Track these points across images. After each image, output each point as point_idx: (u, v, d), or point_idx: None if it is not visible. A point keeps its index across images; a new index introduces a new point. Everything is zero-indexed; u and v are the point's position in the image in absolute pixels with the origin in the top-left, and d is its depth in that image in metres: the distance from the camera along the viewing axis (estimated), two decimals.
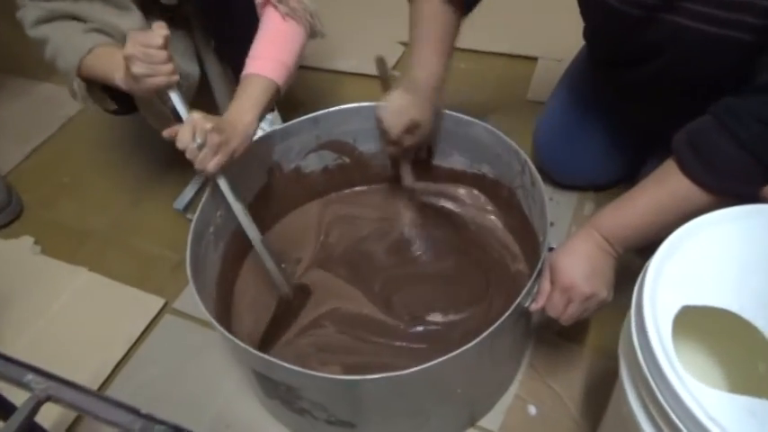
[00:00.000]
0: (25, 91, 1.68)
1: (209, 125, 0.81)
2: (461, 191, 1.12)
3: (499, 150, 0.97)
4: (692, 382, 0.50)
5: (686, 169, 0.68)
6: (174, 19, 1.04)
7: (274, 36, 0.95)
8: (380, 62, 0.96)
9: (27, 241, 1.25)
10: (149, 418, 0.45)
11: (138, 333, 1.06)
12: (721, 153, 0.66)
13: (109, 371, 1.01)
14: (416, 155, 1.10)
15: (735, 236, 0.60)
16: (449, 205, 1.11)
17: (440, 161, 1.09)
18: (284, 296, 0.99)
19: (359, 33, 1.67)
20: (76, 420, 0.95)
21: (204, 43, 1.09)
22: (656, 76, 0.82)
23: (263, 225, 1.11)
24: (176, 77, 0.83)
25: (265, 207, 1.09)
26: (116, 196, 1.35)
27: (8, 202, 1.30)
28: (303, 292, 1.01)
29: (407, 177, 1.03)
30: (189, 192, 0.92)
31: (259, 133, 1.19)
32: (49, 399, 0.48)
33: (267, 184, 1.07)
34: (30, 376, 0.50)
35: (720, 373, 0.69)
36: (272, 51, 0.93)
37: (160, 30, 0.79)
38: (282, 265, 1.00)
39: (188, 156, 0.82)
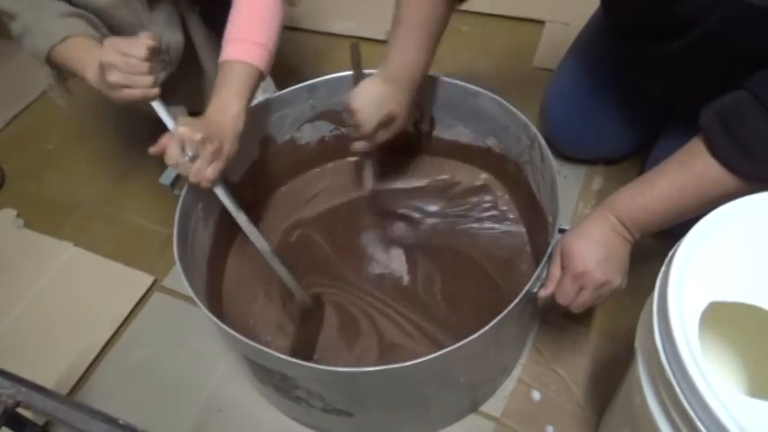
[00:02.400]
0: (5, 53, 1.59)
1: (198, 136, 0.73)
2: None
3: (507, 122, 0.91)
4: (721, 388, 0.46)
5: (716, 150, 0.62)
6: None
7: (252, 13, 0.85)
8: (354, 49, 0.89)
9: (9, 214, 1.20)
10: (127, 428, 0.41)
11: (127, 312, 1.02)
12: (757, 133, 0.60)
13: (96, 352, 0.98)
14: (418, 126, 1.05)
15: (763, 225, 0.55)
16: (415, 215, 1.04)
17: (442, 133, 1.04)
18: (304, 306, 0.92)
19: None
20: None
21: (189, 9, 1.01)
22: (688, 50, 0.75)
23: (256, 200, 1.06)
24: (156, 91, 0.76)
25: (257, 182, 1.03)
26: (103, 166, 1.29)
27: None
28: (317, 303, 0.94)
29: (369, 181, 0.96)
30: None
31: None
32: (18, 405, 0.44)
33: (259, 158, 1.01)
34: None
35: (740, 366, 0.65)
36: (250, 32, 0.84)
37: (146, 40, 0.72)
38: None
39: (179, 171, 0.76)
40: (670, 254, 0.55)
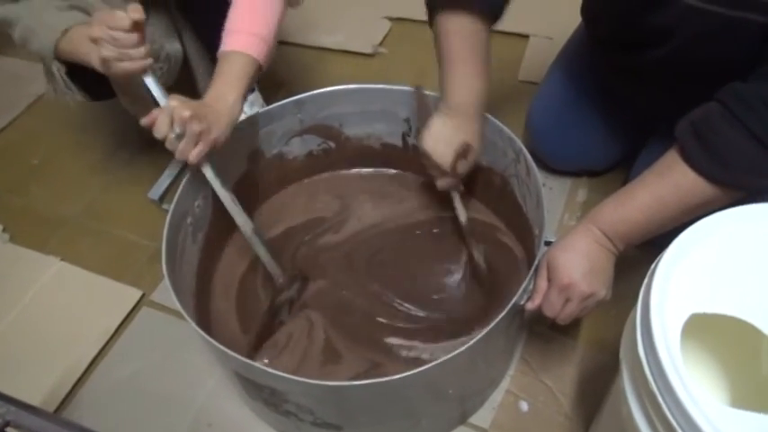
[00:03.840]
0: None
1: (187, 113, 0.74)
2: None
3: (493, 137, 0.92)
4: (703, 399, 0.47)
5: (690, 159, 0.64)
6: None
7: (251, 5, 0.86)
8: (419, 93, 0.87)
9: None
10: None
11: (115, 327, 1.01)
12: (728, 142, 0.62)
13: (83, 368, 0.97)
14: (405, 140, 1.06)
15: (746, 237, 0.57)
16: None
17: (439, 184, 1.04)
18: (279, 285, 0.93)
19: (344, 7, 1.60)
20: None
21: (182, 20, 1.02)
22: (663, 60, 0.78)
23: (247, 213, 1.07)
24: (148, 62, 0.77)
25: (246, 196, 1.03)
26: (89, 180, 1.28)
27: None
28: (301, 280, 0.96)
29: (461, 213, 0.95)
30: (164, 180, 0.87)
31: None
32: (7, 425, 0.44)
33: (247, 172, 1.01)
34: None
35: (722, 377, 0.66)
36: (249, 24, 0.85)
37: (132, 13, 0.72)
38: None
39: (167, 146, 0.77)
40: (652, 266, 0.57)
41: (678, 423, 0.48)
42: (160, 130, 0.75)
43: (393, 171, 1.12)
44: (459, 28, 0.80)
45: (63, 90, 0.96)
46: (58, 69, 0.88)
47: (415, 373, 0.63)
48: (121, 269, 1.10)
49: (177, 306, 0.75)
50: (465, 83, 0.82)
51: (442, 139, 0.83)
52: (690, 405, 0.46)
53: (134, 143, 1.33)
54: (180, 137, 0.75)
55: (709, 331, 0.62)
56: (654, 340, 0.50)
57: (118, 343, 1.01)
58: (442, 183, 0.89)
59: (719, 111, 0.63)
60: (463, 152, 0.84)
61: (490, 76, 0.84)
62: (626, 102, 1.01)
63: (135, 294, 1.06)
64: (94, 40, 0.74)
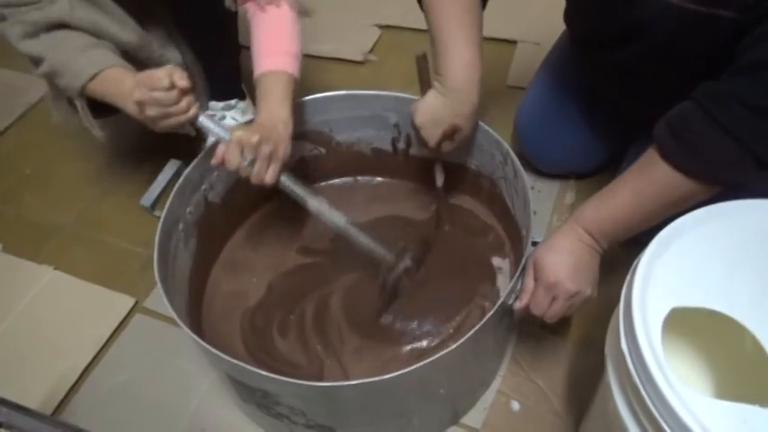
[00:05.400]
0: None
1: (255, 138, 0.77)
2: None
3: (481, 140, 0.94)
4: (684, 390, 0.48)
5: (667, 156, 0.66)
6: (148, 6, 0.98)
7: (275, 28, 0.91)
8: (421, 61, 0.87)
9: None
10: None
11: (108, 334, 1.02)
12: (703, 139, 0.64)
13: (77, 375, 0.97)
14: (395, 145, 1.07)
15: (723, 233, 0.58)
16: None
17: (420, 151, 1.06)
18: (389, 264, 0.91)
19: (333, 16, 1.62)
20: None
21: (178, 33, 1.04)
22: (639, 57, 0.79)
23: (239, 219, 1.08)
24: (193, 112, 0.81)
25: (239, 201, 1.04)
26: (81, 189, 1.29)
27: None
28: (411, 251, 0.95)
29: (439, 178, 0.98)
30: (156, 188, 0.88)
31: (231, 123, 1.15)
32: (1, 426, 0.44)
33: (238, 178, 1.02)
34: None
35: (706, 371, 0.67)
36: (278, 45, 0.90)
37: (168, 70, 0.77)
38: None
39: (241, 174, 0.79)
40: (634, 264, 0.58)
41: (660, 414, 0.49)
42: (233, 162, 0.77)
43: (381, 179, 1.14)
44: (450, 2, 0.79)
45: (72, 118, 0.97)
46: (81, 107, 0.90)
47: (405, 373, 0.64)
48: (114, 277, 1.11)
49: (170, 313, 0.75)
50: (459, 54, 0.80)
51: (433, 118, 0.84)
52: (671, 396, 0.48)
53: (126, 152, 1.33)
54: (252, 162, 0.78)
55: (692, 326, 0.64)
56: (636, 334, 0.52)
57: (111, 350, 1.01)
58: (422, 152, 0.91)
59: (694, 109, 0.65)
60: (450, 134, 0.85)
61: (482, 53, 0.82)
62: (610, 105, 1.03)
63: (128, 302, 1.06)
64: (139, 104, 0.78)
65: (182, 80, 0.77)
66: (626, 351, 0.53)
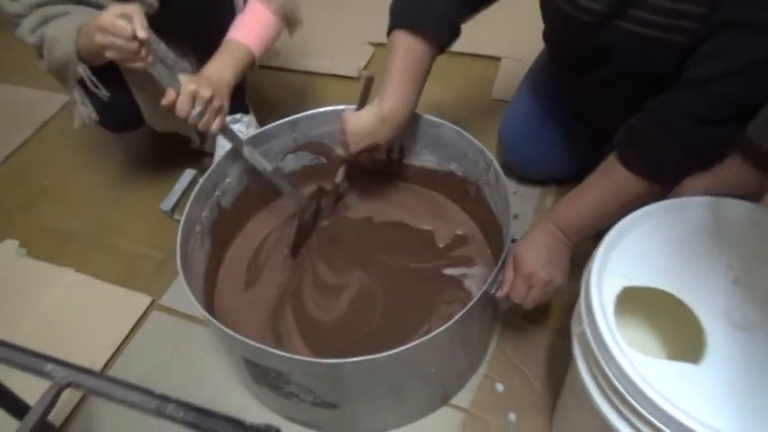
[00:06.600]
0: None
1: (208, 93, 0.90)
2: None
3: (466, 149, 1.04)
4: (631, 352, 0.58)
5: (626, 162, 0.77)
6: (160, 23, 1.09)
7: (255, 18, 1.05)
8: (368, 81, 0.98)
9: (12, 245, 1.28)
10: (163, 398, 0.51)
11: (127, 330, 1.11)
12: (654, 146, 0.75)
13: (100, 367, 1.06)
14: (389, 156, 1.17)
15: (665, 226, 0.69)
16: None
17: (411, 160, 1.16)
18: (302, 207, 1.11)
19: (330, 34, 1.73)
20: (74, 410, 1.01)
21: (189, 48, 1.14)
22: (607, 77, 0.90)
23: (245, 223, 1.18)
24: (149, 60, 0.87)
25: (248, 205, 1.14)
26: (97, 196, 1.39)
27: None
28: (318, 196, 1.13)
29: (339, 176, 1.10)
30: (175, 194, 0.97)
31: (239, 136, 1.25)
32: (69, 385, 0.54)
33: (249, 184, 1.12)
34: (50, 366, 0.55)
35: (660, 343, 0.78)
36: (253, 27, 1.04)
37: (135, 21, 0.82)
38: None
39: (190, 121, 0.91)
40: (593, 253, 0.68)
41: (613, 373, 0.59)
42: (182, 110, 0.89)
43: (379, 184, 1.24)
44: (408, 47, 0.91)
45: (86, 104, 1.07)
46: (83, 70, 0.98)
47: (400, 351, 0.74)
48: (131, 278, 1.20)
49: (184, 308, 0.84)
50: (397, 95, 0.92)
51: (360, 133, 0.95)
52: (620, 357, 0.58)
53: (137, 164, 1.43)
54: (201, 114, 0.90)
55: (647, 304, 0.74)
56: (593, 309, 0.62)
57: (131, 344, 1.10)
58: (338, 152, 1.02)
59: (647, 120, 0.76)
60: (369, 150, 0.97)
61: (420, 94, 0.95)
62: (586, 116, 1.13)
63: (145, 300, 1.15)
64: (102, 47, 0.84)
65: (142, 30, 0.82)
66: (586, 324, 0.63)
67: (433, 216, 1.17)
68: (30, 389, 0.67)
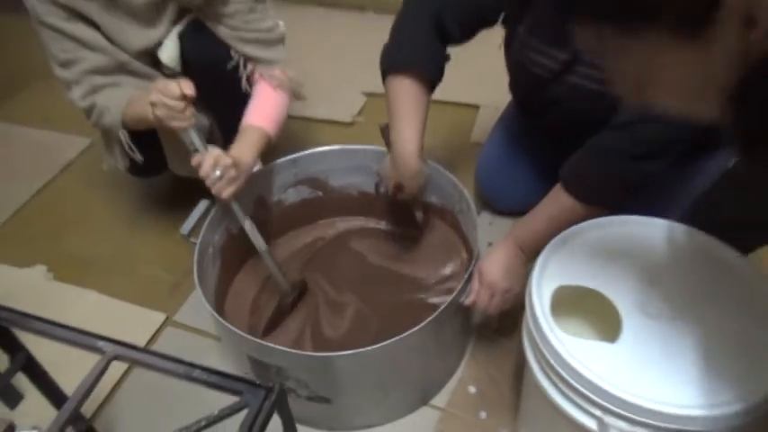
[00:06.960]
0: (27, 139, 1.87)
1: (229, 160, 1.03)
2: None
3: (443, 183, 1.21)
4: (562, 335, 0.73)
5: (568, 189, 0.94)
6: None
7: (266, 100, 1.20)
8: (385, 130, 1.11)
9: (41, 269, 1.43)
10: (190, 365, 0.66)
11: (144, 343, 1.25)
12: (590, 176, 0.92)
13: (119, 375, 1.19)
14: (377, 190, 1.34)
15: (596, 239, 0.85)
16: None
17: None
18: (284, 292, 1.19)
19: (326, 84, 1.91)
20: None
21: (206, 109, 1.31)
22: (557, 121, 1.08)
23: (252, 250, 1.33)
24: (192, 121, 1.03)
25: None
26: (116, 227, 1.54)
27: None
28: (301, 287, 1.23)
29: (419, 215, 1.21)
30: (191, 220, 1.12)
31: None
32: (116, 358, 0.68)
33: (254, 214, 1.28)
34: (101, 343, 0.70)
35: (594, 330, 0.92)
36: (264, 110, 1.18)
37: (186, 89, 0.99)
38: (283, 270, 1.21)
39: (208, 183, 1.04)
40: (536, 261, 0.84)
41: (550, 354, 0.74)
42: (205, 170, 1.02)
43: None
44: (405, 90, 1.01)
45: (120, 157, 1.23)
46: (124, 137, 1.16)
47: (383, 345, 0.89)
48: (148, 298, 1.34)
49: (196, 324, 0.98)
50: (403, 134, 1.02)
51: (386, 174, 1.10)
52: (554, 340, 0.73)
53: (152, 197, 1.60)
54: (220, 178, 1.03)
55: (588, 312, 0.89)
56: (533, 304, 0.77)
57: None
58: (399, 195, 1.13)
59: (586, 156, 0.93)
60: (397, 188, 1.09)
61: (425, 125, 1.05)
62: (549, 153, 1.30)
63: (160, 317, 1.29)
64: (152, 104, 1.01)
65: (189, 89, 0.97)
66: (530, 319, 0.78)
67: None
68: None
